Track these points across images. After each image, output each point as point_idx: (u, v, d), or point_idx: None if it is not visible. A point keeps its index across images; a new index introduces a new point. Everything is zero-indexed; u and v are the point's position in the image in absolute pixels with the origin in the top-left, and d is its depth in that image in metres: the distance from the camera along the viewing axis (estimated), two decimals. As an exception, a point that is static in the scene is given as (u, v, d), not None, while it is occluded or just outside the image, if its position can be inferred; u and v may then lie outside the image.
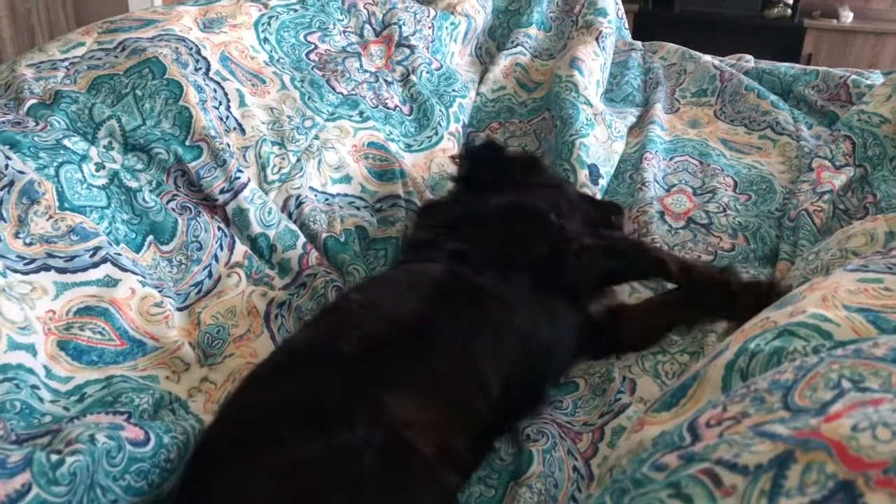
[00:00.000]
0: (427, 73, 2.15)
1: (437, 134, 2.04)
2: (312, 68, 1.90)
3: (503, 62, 2.45)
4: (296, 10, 1.99)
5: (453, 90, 2.18)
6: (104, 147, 1.42)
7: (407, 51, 2.14)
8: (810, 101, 2.32)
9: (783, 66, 2.49)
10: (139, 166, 1.45)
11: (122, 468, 0.97)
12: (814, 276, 1.32)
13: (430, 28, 2.26)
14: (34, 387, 1.09)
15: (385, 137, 1.90)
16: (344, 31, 2.07)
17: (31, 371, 1.10)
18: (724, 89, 2.42)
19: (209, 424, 1.13)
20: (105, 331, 1.21)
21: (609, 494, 0.69)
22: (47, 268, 1.20)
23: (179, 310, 1.37)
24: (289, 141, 1.69)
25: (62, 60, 1.54)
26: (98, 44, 1.60)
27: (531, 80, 2.42)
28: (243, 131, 1.62)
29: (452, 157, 1.76)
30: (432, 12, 2.32)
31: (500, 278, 1.32)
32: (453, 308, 1.24)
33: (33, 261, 1.19)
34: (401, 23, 2.18)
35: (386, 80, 2.04)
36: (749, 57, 2.69)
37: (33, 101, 1.41)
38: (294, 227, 1.59)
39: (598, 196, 1.94)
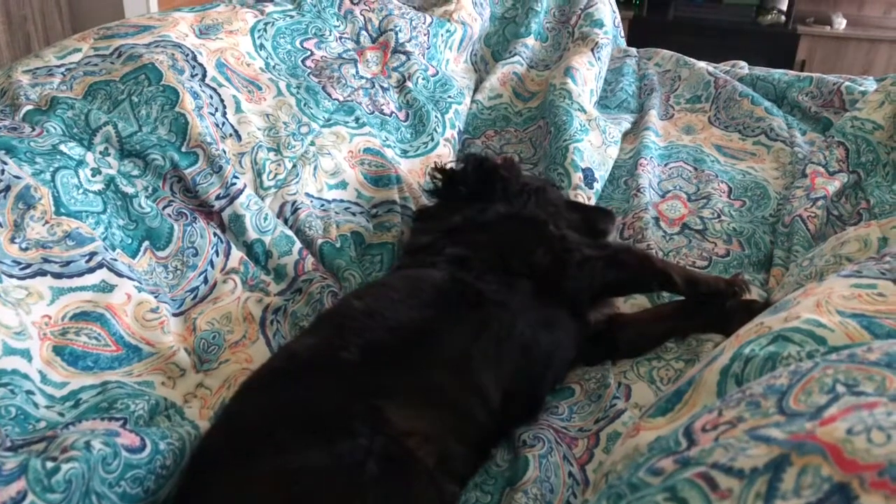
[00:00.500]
0: (423, 79, 2.15)
1: (432, 140, 2.04)
2: (308, 74, 1.90)
3: (500, 70, 2.46)
4: (292, 17, 2.00)
5: (449, 96, 2.19)
6: (100, 153, 1.42)
7: (403, 57, 2.14)
8: (804, 108, 2.33)
9: (777, 73, 2.50)
10: (135, 172, 1.45)
11: (117, 475, 0.96)
12: (808, 281, 1.33)
13: (425, 35, 2.27)
14: (29, 392, 1.08)
15: (381, 143, 1.90)
16: (340, 38, 2.08)
17: (25, 376, 1.09)
18: (719, 96, 2.43)
19: (207, 430, 1.13)
20: (101, 336, 1.21)
21: (605, 499, 0.69)
22: (43, 273, 1.19)
23: (175, 315, 1.37)
24: (285, 147, 1.69)
25: (58, 66, 1.54)
26: (94, 50, 1.60)
27: (526, 90, 2.43)
28: (239, 137, 1.62)
29: (433, 169, 1.75)
30: (428, 19, 2.32)
31: (501, 285, 1.32)
32: (454, 315, 1.24)
33: (29, 266, 1.19)
34: (397, 29, 2.19)
35: (382, 87, 2.04)
36: (743, 63, 2.70)
37: (29, 106, 1.41)
38: (290, 232, 1.60)
39: (593, 200, 1.94)
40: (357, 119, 1.89)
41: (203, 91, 1.60)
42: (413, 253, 1.56)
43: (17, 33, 2.45)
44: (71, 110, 1.43)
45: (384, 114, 1.99)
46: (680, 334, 1.43)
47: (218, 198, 1.51)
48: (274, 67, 1.84)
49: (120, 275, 1.28)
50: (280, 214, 1.62)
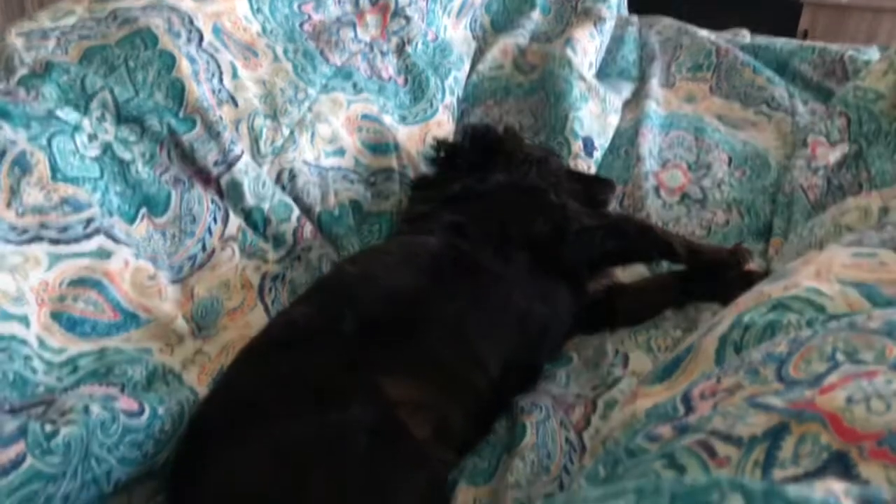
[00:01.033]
0: (423, 44, 2.13)
1: (431, 106, 2.02)
2: (306, 39, 1.88)
3: (503, 41, 2.43)
4: (290, -20, 1.97)
5: (449, 62, 2.17)
6: (97, 118, 1.40)
7: (403, 21, 2.11)
8: (806, 77, 2.31)
9: (780, 42, 2.48)
10: (132, 138, 1.43)
11: (116, 439, 0.97)
12: (808, 251, 1.32)
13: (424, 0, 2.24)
14: (27, 358, 1.08)
15: (379, 109, 1.88)
16: (339, 1, 2.05)
17: (23, 342, 1.09)
18: (720, 64, 2.41)
19: (204, 397, 1.13)
20: (98, 303, 1.21)
21: (602, 465, 0.69)
22: (40, 239, 1.19)
23: (173, 283, 1.37)
24: (281, 114, 1.67)
25: (53, 30, 1.51)
26: (89, 13, 1.57)
27: (527, 63, 2.40)
28: (236, 104, 1.60)
29: (434, 141, 1.74)
30: (427, -17, 2.29)
31: (497, 254, 1.32)
32: (450, 284, 1.24)
33: (26, 231, 1.18)
34: (396, -8, 2.16)
35: (381, 51, 2.02)
36: (745, 32, 2.68)
37: (24, 71, 1.40)
38: (288, 199, 1.59)
39: (593, 169, 1.93)
40: (355, 84, 1.87)
41: (200, 56, 1.58)
42: (411, 221, 1.56)
43: (11, -4, 2.42)
44: (66, 75, 1.41)
45: (382, 79, 1.97)
46: (679, 303, 1.43)
47: (216, 164, 1.50)
48: (271, 32, 1.82)
49: (117, 241, 1.28)
50: (278, 181, 1.61)
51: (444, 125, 2.03)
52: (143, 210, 1.40)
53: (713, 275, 1.41)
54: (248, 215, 1.52)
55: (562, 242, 1.37)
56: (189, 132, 1.48)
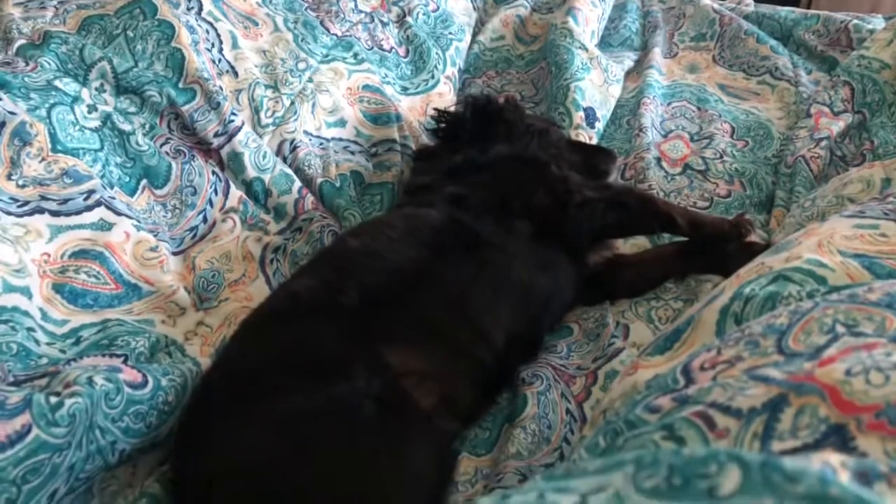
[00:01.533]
0: (423, 14, 2.11)
1: (433, 77, 2.01)
2: (306, 9, 1.86)
3: (504, 12, 2.41)
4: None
5: (450, 33, 2.15)
6: (96, 89, 1.40)
7: (403, -10, 2.10)
8: (810, 46, 2.29)
9: (783, 11, 2.45)
10: (132, 109, 1.43)
11: (120, 410, 0.98)
12: (809, 222, 1.32)
13: (425, -31, 2.22)
14: (30, 329, 1.09)
15: (380, 80, 1.87)
16: (338, -29, 2.03)
17: (26, 314, 1.10)
18: (724, 34, 2.39)
19: (208, 369, 1.14)
20: (100, 274, 1.21)
21: (602, 435, 0.69)
22: (41, 210, 1.19)
23: (174, 254, 1.37)
24: (282, 84, 1.66)
25: (50, -1, 1.51)
26: (87, -18, 1.56)
27: (528, 34, 2.38)
28: (236, 74, 1.59)
29: (435, 111, 1.73)
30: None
31: (499, 226, 1.31)
32: (452, 256, 1.24)
33: (27, 203, 1.18)
34: (396, -38, 2.14)
35: (381, 21, 2.00)
36: (749, 0, 2.65)
37: (22, 41, 1.39)
38: (290, 171, 1.58)
39: (595, 140, 1.92)
40: (356, 55, 1.86)
41: (199, 25, 1.57)
42: (412, 193, 1.55)
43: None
44: (65, 45, 1.40)
45: (384, 49, 1.96)
46: (680, 275, 1.43)
47: (216, 135, 1.49)
48: (271, 2, 1.80)
49: (118, 213, 1.28)
50: (279, 152, 1.61)
51: (445, 96, 2.02)
52: (144, 182, 1.40)
53: (714, 246, 1.41)
54: (248, 187, 1.52)
55: (563, 214, 1.36)
56: (189, 103, 1.47)
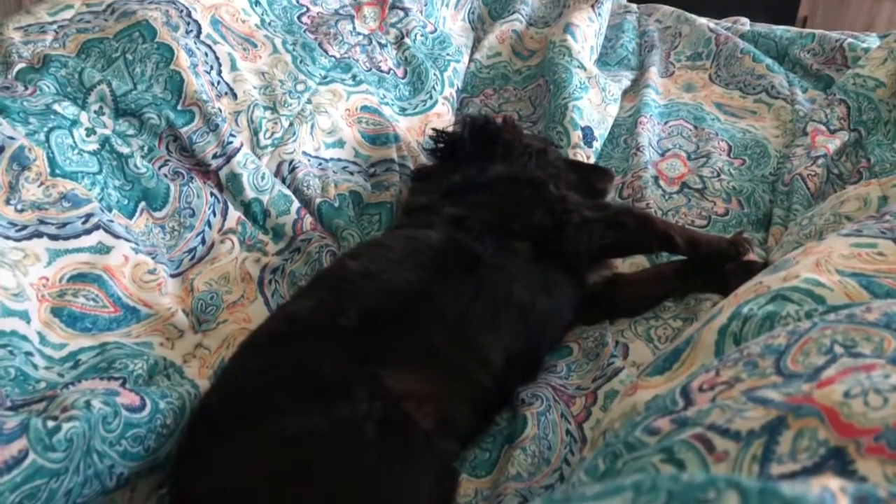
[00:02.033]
0: (421, 35, 2.12)
1: (431, 98, 2.02)
2: (304, 31, 1.87)
3: (499, 28, 2.43)
4: (287, -28, 1.97)
5: (448, 54, 2.16)
6: (95, 112, 1.40)
7: (401, 13, 2.11)
8: (806, 65, 2.30)
9: (779, 30, 2.47)
10: (130, 132, 1.43)
11: (118, 434, 0.97)
12: (807, 240, 1.32)
13: (423, -9, 2.24)
14: (28, 353, 1.09)
15: (378, 101, 1.88)
16: (336, -7, 2.04)
17: (24, 338, 1.10)
18: (720, 53, 2.40)
19: (207, 391, 1.13)
20: (98, 298, 1.21)
21: (602, 458, 0.69)
22: (39, 234, 1.19)
23: (173, 276, 1.37)
24: (281, 105, 1.67)
25: (51, 23, 1.51)
26: (87, 6, 1.57)
27: (525, 49, 2.40)
28: (235, 96, 1.60)
29: (434, 133, 1.73)
30: (426, -25, 2.29)
31: (498, 247, 1.31)
32: (452, 278, 1.24)
33: (25, 227, 1.18)
34: (394, -16, 2.15)
35: (379, 43, 2.01)
36: (745, 20, 2.67)
37: (22, 64, 1.40)
38: (288, 191, 1.59)
39: (592, 159, 1.93)
40: (354, 76, 1.87)
41: (198, 48, 1.58)
42: (411, 213, 1.55)
43: (8, -11, 2.40)
44: (64, 68, 1.41)
45: (382, 71, 1.97)
46: (678, 294, 1.43)
47: (215, 156, 1.50)
48: (269, 24, 1.81)
49: (117, 236, 1.28)
50: (278, 173, 1.61)
51: (443, 116, 2.02)
52: (142, 204, 1.40)
53: (713, 265, 1.41)
54: (247, 208, 1.53)
55: (562, 234, 1.36)
56: (188, 125, 1.48)
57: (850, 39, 2.28)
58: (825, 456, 0.51)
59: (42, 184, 1.24)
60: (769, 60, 2.32)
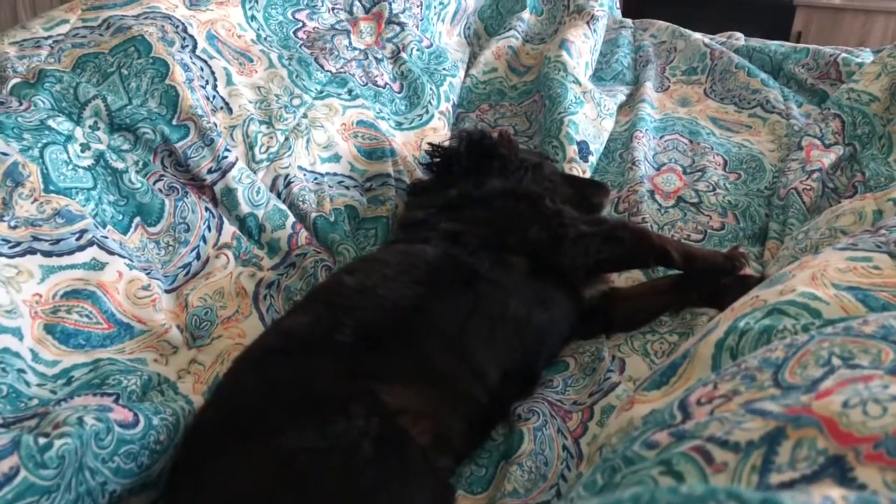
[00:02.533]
0: (418, 50, 2.13)
1: (427, 112, 2.02)
2: (300, 46, 1.88)
3: (495, 44, 2.44)
4: (283, -12, 1.97)
5: (444, 69, 2.17)
6: (90, 127, 1.40)
7: (397, 28, 2.12)
8: (800, 80, 2.32)
9: (773, 44, 2.48)
10: (125, 146, 1.43)
11: (111, 450, 0.96)
12: (803, 254, 1.32)
13: (418, 7, 2.24)
14: (20, 371, 1.08)
15: (374, 116, 1.88)
16: (333, 9, 2.05)
17: (17, 355, 1.09)
18: (715, 67, 2.42)
19: (201, 407, 1.12)
20: (92, 314, 1.21)
21: (600, 473, 0.69)
22: (33, 251, 1.18)
23: (167, 292, 1.37)
24: (277, 120, 1.67)
25: (46, 38, 1.51)
26: (82, 21, 1.57)
27: (521, 65, 2.41)
28: (230, 110, 1.60)
29: (430, 148, 1.74)
30: (421, -10, 2.30)
31: (494, 262, 1.31)
32: (448, 293, 1.23)
33: (18, 244, 1.18)
34: (390, 0, 2.16)
35: (376, 58, 2.02)
36: (739, 35, 2.68)
37: (17, 80, 1.39)
38: (283, 206, 1.58)
39: (588, 173, 1.93)
40: (350, 91, 1.87)
41: (194, 63, 1.58)
42: (407, 228, 1.55)
43: (3, 4, 2.41)
44: (59, 84, 1.41)
45: (378, 85, 1.97)
46: (675, 308, 1.43)
47: (210, 171, 1.49)
48: (265, 39, 1.82)
49: (111, 252, 1.27)
50: (273, 188, 1.61)
51: (439, 131, 2.03)
52: (137, 219, 1.39)
53: (709, 280, 1.41)
54: (242, 222, 1.52)
55: (558, 249, 1.36)
56: (183, 139, 1.48)
57: (843, 54, 2.29)
58: (824, 464, 0.51)
59: (36, 200, 1.23)
60: (764, 75, 2.33)
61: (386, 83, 2.00)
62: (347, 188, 1.73)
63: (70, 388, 1.11)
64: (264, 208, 1.55)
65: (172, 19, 1.62)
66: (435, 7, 2.32)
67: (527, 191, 1.53)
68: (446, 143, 1.73)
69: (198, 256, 1.44)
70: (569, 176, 1.81)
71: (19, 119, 1.31)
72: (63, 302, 1.19)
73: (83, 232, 1.25)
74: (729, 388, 0.69)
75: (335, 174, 1.73)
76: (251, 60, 1.73)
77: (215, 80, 1.61)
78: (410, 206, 1.68)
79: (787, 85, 2.34)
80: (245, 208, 1.52)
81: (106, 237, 1.29)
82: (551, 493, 1.09)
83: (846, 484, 0.49)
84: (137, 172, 1.42)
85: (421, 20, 2.24)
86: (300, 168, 1.66)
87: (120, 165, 1.40)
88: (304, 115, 1.74)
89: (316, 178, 1.69)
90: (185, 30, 1.62)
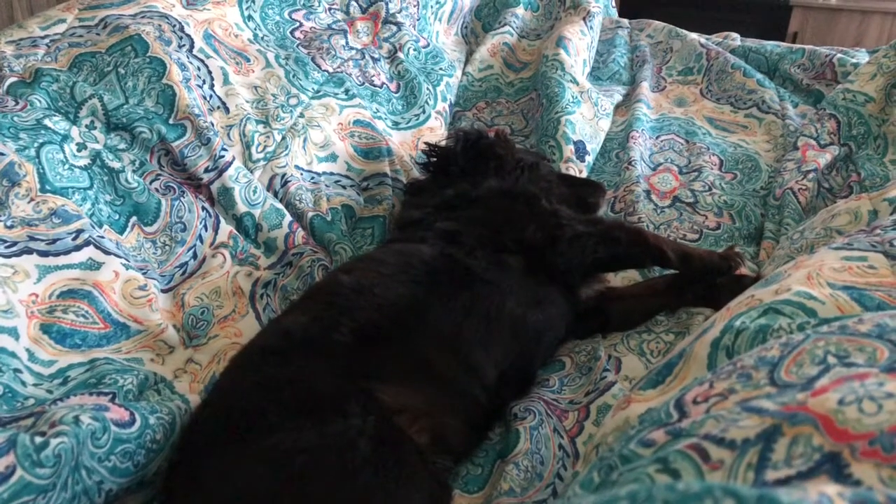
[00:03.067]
0: (414, 50, 2.13)
1: (424, 112, 2.03)
2: (297, 46, 1.88)
3: (491, 41, 2.44)
4: (279, -12, 1.97)
5: (440, 69, 2.17)
6: (86, 126, 1.40)
7: (394, 27, 2.12)
8: (796, 80, 2.32)
9: (769, 45, 2.49)
10: (122, 146, 1.43)
11: (107, 449, 0.96)
12: (798, 254, 1.33)
13: (415, 6, 2.24)
14: (17, 370, 1.08)
15: (371, 115, 1.88)
16: (329, 9, 2.05)
17: (13, 355, 1.09)
18: (711, 67, 2.42)
19: (198, 406, 1.12)
20: (88, 314, 1.20)
21: (596, 471, 0.69)
22: (29, 251, 1.18)
23: (163, 292, 1.36)
24: (273, 119, 1.67)
25: (42, 37, 1.51)
26: (79, 20, 1.57)
27: (518, 61, 2.41)
28: (227, 110, 1.60)
29: (426, 147, 1.74)
30: (418, -10, 2.30)
31: (491, 262, 1.31)
32: (444, 292, 1.23)
33: (15, 244, 1.17)
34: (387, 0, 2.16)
35: (373, 57, 2.02)
36: (735, 35, 2.69)
37: (13, 79, 1.39)
38: (280, 205, 1.58)
39: (585, 173, 1.93)
40: (347, 91, 1.87)
41: (191, 62, 1.58)
42: (404, 227, 1.55)
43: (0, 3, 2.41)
44: (56, 83, 1.41)
45: (375, 85, 1.97)
46: (671, 308, 1.43)
47: (206, 170, 1.49)
48: (262, 38, 1.82)
49: (107, 252, 1.27)
50: (270, 187, 1.61)
51: (436, 130, 2.03)
52: (133, 219, 1.39)
53: (705, 279, 1.41)
54: (239, 222, 1.52)
55: (555, 249, 1.36)
56: (179, 139, 1.48)
57: (839, 55, 2.30)
58: (820, 461, 0.51)
59: (32, 200, 1.23)
60: (760, 75, 2.34)
61: (383, 83, 2.00)
62: (344, 187, 1.73)
63: (66, 388, 1.11)
64: (261, 208, 1.55)
65: (169, 18, 1.62)
66: (432, 6, 2.32)
67: (523, 191, 1.53)
68: (443, 143, 1.73)
69: (194, 256, 1.44)
70: (565, 176, 1.81)
71: (15, 118, 1.30)
72: (59, 302, 1.19)
73: (79, 232, 1.24)
74: (725, 387, 0.69)
75: (332, 173, 1.74)
76: (248, 60, 1.73)
77: (212, 79, 1.61)
78: (407, 206, 1.68)
79: (782, 85, 2.34)
80: (242, 207, 1.52)
81: (102, 237, 1.28)
82: (547, 491, 1.09)
83: (842, 480, 0.49)
84: (134, 172, 1.42)
85: (418, 20, 2.24)
86: (297, 167, 1.66)
87: (116, 165, 1.40)
88: (301, 115, 1.74)
89: (313, 178, 1.69)
90: (181, 29, 1.62)
